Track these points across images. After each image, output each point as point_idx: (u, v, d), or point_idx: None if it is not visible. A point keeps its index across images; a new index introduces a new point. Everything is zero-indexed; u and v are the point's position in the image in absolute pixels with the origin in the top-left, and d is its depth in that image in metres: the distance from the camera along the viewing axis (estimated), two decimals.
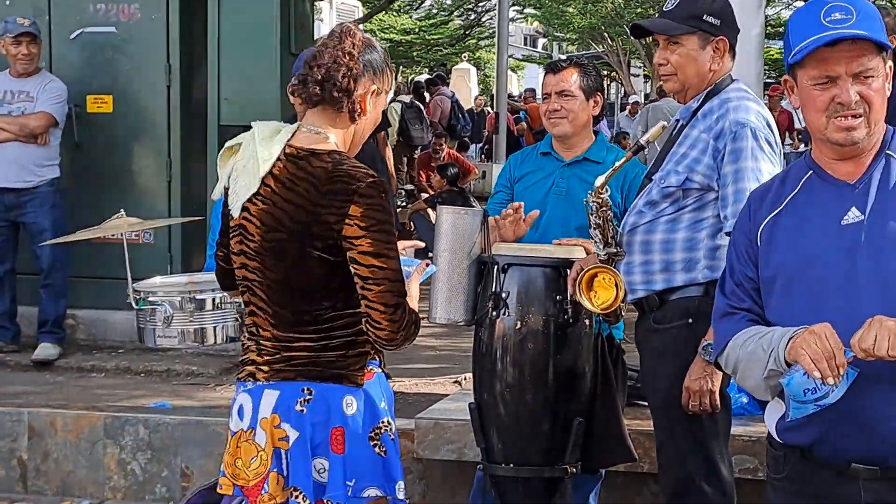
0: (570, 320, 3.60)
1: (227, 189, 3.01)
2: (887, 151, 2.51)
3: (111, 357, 6.72)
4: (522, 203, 3.92)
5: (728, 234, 3.23)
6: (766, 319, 2.54)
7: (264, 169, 2.90)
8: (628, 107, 20.49)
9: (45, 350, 6.59)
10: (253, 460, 2.94)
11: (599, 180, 3.43)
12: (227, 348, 5.86)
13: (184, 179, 6.97)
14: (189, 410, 5.49)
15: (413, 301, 2.98)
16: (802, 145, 14.14)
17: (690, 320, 3.42)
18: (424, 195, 12.24)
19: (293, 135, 2.95)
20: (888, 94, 2.49)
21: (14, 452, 5.36)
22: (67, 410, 5.42)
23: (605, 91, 4.77)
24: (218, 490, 3.08)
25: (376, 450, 2.99)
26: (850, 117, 2.44)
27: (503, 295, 3.61)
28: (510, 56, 22.19)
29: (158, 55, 6.91)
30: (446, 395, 5.31)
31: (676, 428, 3.47)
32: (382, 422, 3.01)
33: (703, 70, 3.49)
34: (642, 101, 22.40)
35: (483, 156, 20.87)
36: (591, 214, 3.47)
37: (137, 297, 3.76)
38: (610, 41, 31.77)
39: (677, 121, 3.61)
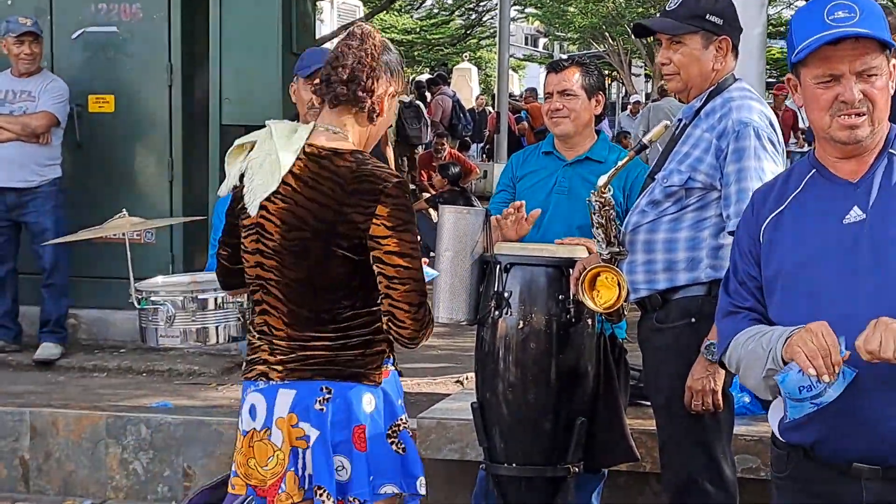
0: (573, 320, 3.60)
1: (237, 187, 2.99)
2: (890, 150, 2.51)
3: (113, 357, 6.71)
4: (524, 202, 3.91)
5: (731, 233, 3.23)
6: (769, 318, 2.53)
7: (286, 167, 2.89)
8: (629, 106, 20.44)
9: (47, 350, 6.59)
10: (269, 460, 2.93)
11: (602, 179, 3.43)
12: (230, 348, 5.86)
13: (185, 179, 6.97)
14: (191, 410, 5.48)
15: None
16: (807, 144, 14.13)
17: (693, 320, 3.41)
18: (426, 195, 12.21)
19: (310, 134, 2.94)
20: (892, 92, 2.49)
21: (16, 452, 5.36)
22: (69, 410, 5.42)
23: (607, 90, 4.77)
24: (230, 490, 3.08)
25: (394, 447, 3.00)
26: (853, 116, 2.43)
27: (505, 294, 3.60)
28: (511, 56, 22.17)
29: (160, 55, 6.91)
30: (448, 395, 5.31)
31: (679, 427, 3.47)
32: (401, 419, 3.03)
33: (705, 69, 3.49)
34: (643, 100, 22.40)
35: (484, 155, 20.87)
36: (594, 214, 3.46)
37: (139, 296, 3.75)
38: (611, 41, 31.75)
39: (680, 120, 3.61)
